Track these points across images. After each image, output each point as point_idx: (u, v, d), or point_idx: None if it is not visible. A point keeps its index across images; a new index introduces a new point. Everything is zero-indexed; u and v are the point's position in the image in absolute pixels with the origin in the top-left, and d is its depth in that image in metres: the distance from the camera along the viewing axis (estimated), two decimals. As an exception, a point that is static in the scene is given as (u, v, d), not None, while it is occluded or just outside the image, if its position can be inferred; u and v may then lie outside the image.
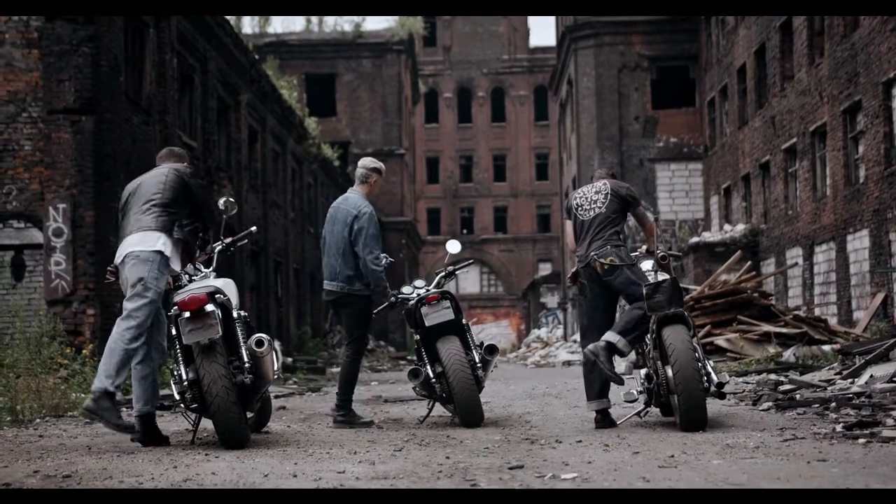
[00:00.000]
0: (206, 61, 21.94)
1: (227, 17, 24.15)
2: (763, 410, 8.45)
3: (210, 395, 6.27)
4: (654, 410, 7.84)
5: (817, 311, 22.56)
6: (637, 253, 7.83)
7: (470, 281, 68.07)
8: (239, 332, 6.63)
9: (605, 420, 7.48)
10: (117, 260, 6.81)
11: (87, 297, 14.46)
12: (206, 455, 6.08)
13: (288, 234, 31.05)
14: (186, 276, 6.90)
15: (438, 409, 8.85)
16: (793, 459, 5.21)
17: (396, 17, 47.31)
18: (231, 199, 7.39)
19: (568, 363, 28.89)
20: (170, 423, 8.44)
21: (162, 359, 6.99)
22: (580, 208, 7.71)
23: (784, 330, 16.61)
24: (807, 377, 11.17)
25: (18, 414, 9.22)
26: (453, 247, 8.86)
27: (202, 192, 7.36)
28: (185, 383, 6.45)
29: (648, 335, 7.26)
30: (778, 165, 26.97)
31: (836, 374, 11.05)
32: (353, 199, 8.53)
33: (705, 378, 6.93)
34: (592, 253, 7.47)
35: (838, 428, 6.56)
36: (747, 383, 11.88)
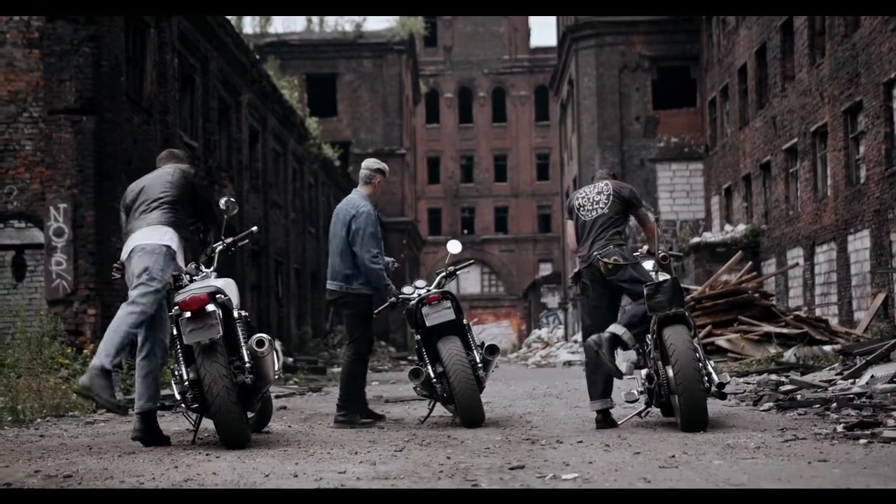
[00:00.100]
0: (207, 61, 21.95)
1: (228, 17, 24.15)
2: (764, 411, 8.45)
3: (211, 395, 6.27)
4: (655, 411, 7.84)
5: (818, 312, 22.55)
6: (638, 253, 7.84)
7: (471, 281, 68.07)
8: (240, 332, 6.63)
9: (606, 420, 7.49)
10: (123, 256, 6.83)
11: (88, 296, 14.47)
12: (207, 455, 6.08)
13: (289, 234, 31.06)
14: (187, 276, 6.91)
15: (439, 410, 8.85)
16: (794, 460, 5.20)
17: (397, 18, 47.33)
18: (232, 199, 7.41)
19: (569, 363, 28.89)
20: (171, 423, 8.44)
21: (165, 356, 6.99)
22: (582, 209, 7.72)
23: (785, 330, 16.60)
24: (808, 377, 11.17)
25: (19, 414, 9.22)
26: (454, 247, 8.87)
27: (205, 192, 7.40)
28: (186, 383, 6.45)
29: (649, 335, 7.27)
30: (779, 166, 26.97)
31: (836, 375, 11.05)
32: (353, 200, 8.60)
33: (706, 378, 6.94)
34: (595, 253, 7.49)
35: (839, 428, 6.56)
36: (748, 384, 11.88)
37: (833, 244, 22.46)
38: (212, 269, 7.15)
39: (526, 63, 69.70)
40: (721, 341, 16.47)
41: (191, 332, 6.30)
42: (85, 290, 14.51)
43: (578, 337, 34.50)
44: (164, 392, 7.48)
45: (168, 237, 6.75)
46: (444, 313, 7.98)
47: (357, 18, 46.66)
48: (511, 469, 5.15)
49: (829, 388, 9.77)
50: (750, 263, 22.25)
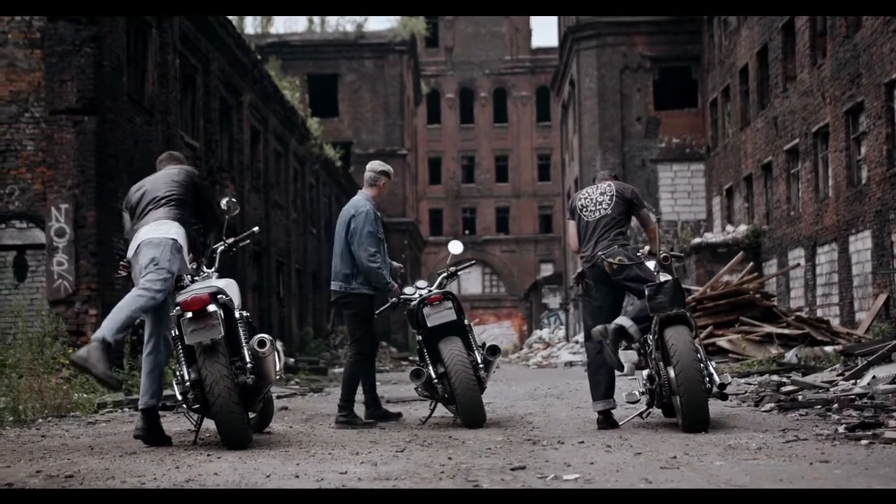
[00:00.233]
0: (209, 62, 21.95)
1: (230, 18, 24.16)
2: (765, 411, 8.45)
3: (212, 395, 6.27)
4: (657, 411, 7.84)
5: (819, 313, 22.54)
6: (640, 254, 7.84)
7: (472, 282, 68.09)
8: (241, 333, 6.63)
9: (607, 421, 7.49)
10: (130, 253, 6.85)
11: (90, 297, 14.48)
12: (209, 455, 6.08)
13: (290, 235, 31.06)
14: (188, 276, 6.91)
15: (441, 410, 8.85)
16: (795, 461, 5.20)
17: (399, 18, 47.33)
18: (233, 200, 7.43)
19: (570, 364, 28.89)
20: (172, 424, 8.44)
21: (169, 353, 6.98)
22: (585, 209, 7.74)
23: (786, 331, 16.59)
24: (809, 378, 11.16)
25: (21, 414, 9.22)
26: (455, 247, 8.88)
27: (207, 193, 7.43)
28: (188, 384, 6.45)
29: (651, 336, 7.27)
30: (780, 166, 26.96)
31: (838, 376, 11.05)
32: (355, 200, 8.68)
33: (707, 379, 6.94)
34: (600, 253, 7.51)
35: (841, 429, 6.56)
36: (749, 384, 11.87)
37: (834, 245, 22.45)
38: (213, 269, 7.16)
39: (527, 63, 69.70)
40: (722, 342, 16.46)
41: (192, 333, 6.30)
42: (86, 290, 14.51)
43: (580, 337, 34.49)
44: (165, 392, 7.48)
45: (174, 231, 6.79)
46: (446, 314, 7.98)
47: (358, 19, 46.70)
48: (512, 470, 5.15)
49: (831, 389, 9.76)
50: (751, 264, 22.25)
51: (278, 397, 12.02)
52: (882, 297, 19.06)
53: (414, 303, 8.17)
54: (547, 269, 65.12)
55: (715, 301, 17.59)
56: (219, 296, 6.52)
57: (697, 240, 30.18)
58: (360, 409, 8.65)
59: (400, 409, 10.09)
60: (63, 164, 14.67)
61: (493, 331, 63.72)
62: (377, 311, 8.62)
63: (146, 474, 5.25)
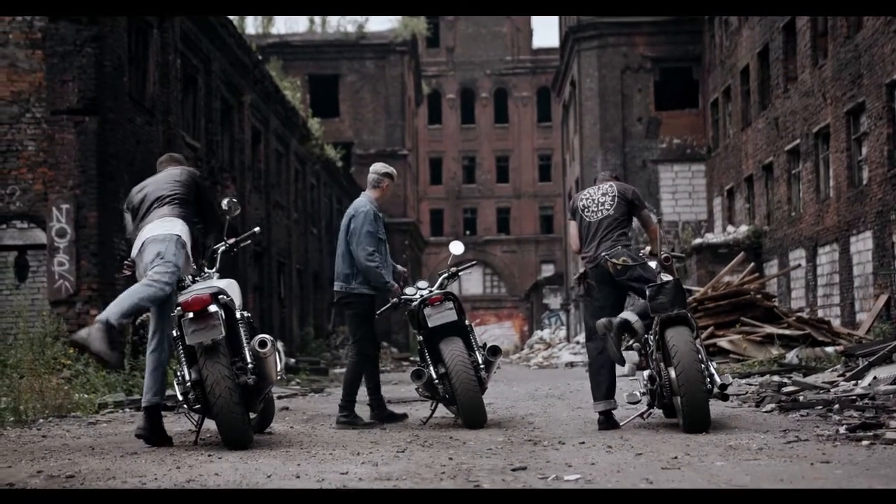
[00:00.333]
0: (210, 62, 21.96)
1: (231, 18, 24.16)
2: (766, 412, 8.44)
3: (213, 395, 6.27)
4: (657, 412, 7.84)
5: (820, 313, 22.53)
6: (641, 254, 7.85)
7: (473, 282, 68.08)
8: (242, 333, 6.64)
9: (608, 421, 7.49)
10: (134, 252, 6.86)
11: (91, 297, 14.48)
12: (210, 456, 6.08)
13: (291, 235, 31.07)
14: (189, 276, 6.92)
15: (441, 411, 8.85)
16: (796, 461, 5.20)
17: (400, 18, 47.33)
18: (234, 200, 7.44)
19: (571, 364, 28.90)
20: (173, 424, 8.44)
21: (172, 351, 6.98)
22: (587, 210, 7.74)
23: (787, 332, 16.59)
24: (810, 379, 11.16)
25: (22, 414, 9.22)
26: (456, 248, 8.87)
27: (209, 194, 7.44)
28: (189, 384, 6.46)
29: (652, 336, 7.27)
30: (781, 167, 26.95)
31: (839, 376, 11.04)
32: (357, 201, 8.73)
33: (708, 380, 6.94)
34: (603, 253, 7.52)
35: (842, 430, 6.56)
36: (750, 385, 11.86)
37: (835, 245, 22.44)
38: (214, 269, 7.17)
39: (528, 64, 69.70)
40: (723, 342, 16.46)
41: (193, 333, 6.31)
42: (87, 290, 14.51)
43: (580, 338, 34.50)
44: (166, 392, 7.49)
45: (179, 228, 6.82)
46: (447, 314, 7.98)
47: (359, 19, 46.71)
48: (513, 470, 5.14)
49: (832, 390, 9.76)
50: (752, 265, 22.25)
51: (279, 398, 12.03)
52: (883, 298, 19.05)
53: (415, 303, 8.17)
54: (548, 270, 65.13)
55: (716, 302, 17.59)
56: (220, 296, 6.52)
57: (698, 240, 30.18)
58: (361, 410, 8.65)
59: (401, 409, 10.08)
60: (64, 165, 14.68)
61: (493, 331, 63.72)
62: (378, 312, 8.62)
63: (147, 474, 5.25)
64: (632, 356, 7.52)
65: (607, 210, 7.67)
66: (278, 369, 6.80)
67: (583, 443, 6.47)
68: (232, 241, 7.47)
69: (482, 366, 8.04)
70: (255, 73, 25.95)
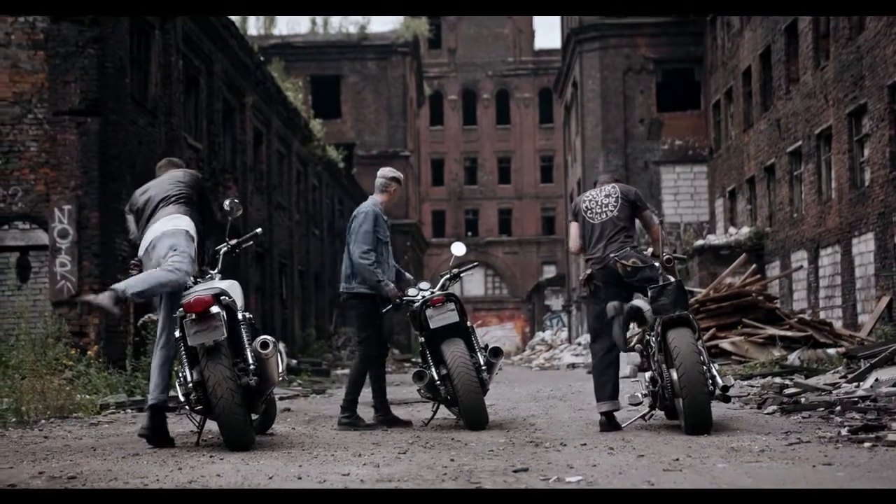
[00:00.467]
0: (212, 63, 21.97)
1: (233, 19, 24.17)
2: (768, 414, 8.44)
3: (215, 396, 6.27)
4: (659, 413, 7.84)
5: (822, 315, 22.52)
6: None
7: (474, 283, 68.06)
8: (244, 334, 6.65)
9: (609, 423, 7.49)
10: (141, 252, 6.89)
11: (92, 298, 14.46)
12: (211, 457, 6.09)
13: (293, 236, 31.07)
14: (192, 277, 6.92)
15: (443, 412, 8.85)
16: (798, 463, 5.20)
17: (401, 19, 47.35)
18: (236, 201, 7.46)
19: (572, 366, 28.89)
20: (175, 425, 8.44)
21: (177, 348, 6.99)
22: (590, 211, 7.75)
23: (789, 333, 16.57)
24: (812, 381, 11.15)
25: (23, 415, 9.23)
26: (458, 249, 8.88)
27: (208, 199, 7.49)
28: (190, 385, 6.46)
29: (654, 338, 7.27)
30: (783, 168, 26.94)
31: (841, 378, 11.03)
32: (362, 204, 8.76)
33: (710, 381, 6.94)
34: (612, 255, 7.53)
35: (843, 432, 6.55)
36: (752, 386, 11.85)
37: (837, 247, 22.43)
38: (216, 270, 7.18)
39: (530, 65, 69.71)
40: (725, 344, 16.44)
41: (195, 334, 6.31)
42: (89, 291, 14.48)
43: (582, 339, 34.50)
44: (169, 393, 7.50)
45: (186, 223, 6.89)
46: (448, 315, 7.98)
47: (361, 20, 46.72)
48: (515, 472, 5.14)
49: (834, 392, 9.75)
50: (754, 266, 22.22)
51: (281, 399, 12.03)
52: (885, 300, 19.04)
53: (417, 304, 8.18)
54: (549, 271, 65.14)
55: (718, 303, 17.57)
56: (222, 297, 6.53)
57: (700, 242, 30.16)
58: (364, 412, 8.64)
59: (402, 410, 10.08)
60: (66, 166, 14.68)
61: (495, 332, 63.70)
62: (383, 310, 8.57)
63: (149, 475, 5.25)
64: (633, 357, 7.51)
65: (611, 212, 7.68)
66: (280, 370, 6.81)
67: (584, 444, 6.47)
68: (234, 242, 7.49)
69: (484, 367, 8.04)
70: (257, 74, 25.96)
